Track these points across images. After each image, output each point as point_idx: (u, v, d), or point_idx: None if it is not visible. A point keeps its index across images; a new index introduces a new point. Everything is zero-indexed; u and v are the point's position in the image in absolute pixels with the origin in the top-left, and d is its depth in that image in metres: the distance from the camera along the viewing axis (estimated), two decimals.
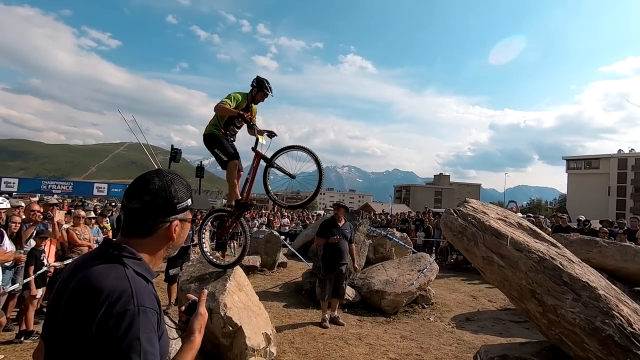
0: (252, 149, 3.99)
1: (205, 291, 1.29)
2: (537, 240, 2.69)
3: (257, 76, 4.11)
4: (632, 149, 62.85)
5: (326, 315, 5.61)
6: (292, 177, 3.80)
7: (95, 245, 5.74)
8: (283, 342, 4.75)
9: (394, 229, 9.84)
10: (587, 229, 9.11)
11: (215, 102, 3.95)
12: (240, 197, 4.07)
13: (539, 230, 2.91)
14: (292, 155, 3.86)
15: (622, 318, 2.11)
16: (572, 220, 14.06)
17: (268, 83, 4.06)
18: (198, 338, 1.17)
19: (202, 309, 1.24)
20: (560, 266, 2.37)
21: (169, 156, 22.23)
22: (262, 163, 4.01)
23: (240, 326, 3.71)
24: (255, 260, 9.44)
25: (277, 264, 9.95)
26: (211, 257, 4.27)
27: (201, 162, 25.27)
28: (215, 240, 10.32)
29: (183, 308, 1.27)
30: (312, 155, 3.59)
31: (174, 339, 1.35)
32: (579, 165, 66.19)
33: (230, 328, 3.70)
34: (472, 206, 2.87)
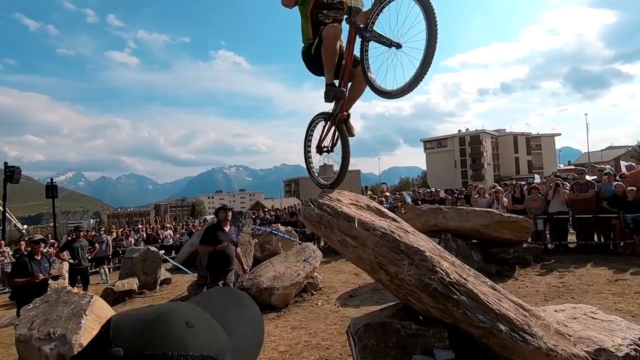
0: (345, 19, 3.04)
1: None
2: (381, 218, 3.10)
3: None
4: (467, 129, 78.13)
5: None
6: (397, 45, 2.65)
7: None
8: None
9: (279, 224, 10.03)
10: (437, 199, 10.94)
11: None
12: (333, 82, 3.05)
13: (383, 209, 3.36)
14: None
15: (442, 272, 2.61)
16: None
17: None
18: None
19: None
20: (398, 238, 2.79)
21: (3, 177, 18.00)
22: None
23: None
24: (131, 283, 8.43)
25: (159, 282, 9.10)
26: (319, 179, 3.55)
27: (52, 179, 21.14)
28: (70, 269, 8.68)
29: None
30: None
31: None
32: (432, 145, 79.10)
33: None
34: (328, 195, 3.12)
